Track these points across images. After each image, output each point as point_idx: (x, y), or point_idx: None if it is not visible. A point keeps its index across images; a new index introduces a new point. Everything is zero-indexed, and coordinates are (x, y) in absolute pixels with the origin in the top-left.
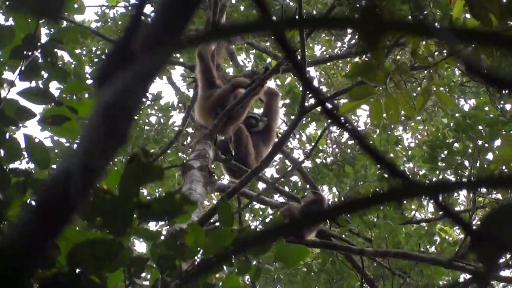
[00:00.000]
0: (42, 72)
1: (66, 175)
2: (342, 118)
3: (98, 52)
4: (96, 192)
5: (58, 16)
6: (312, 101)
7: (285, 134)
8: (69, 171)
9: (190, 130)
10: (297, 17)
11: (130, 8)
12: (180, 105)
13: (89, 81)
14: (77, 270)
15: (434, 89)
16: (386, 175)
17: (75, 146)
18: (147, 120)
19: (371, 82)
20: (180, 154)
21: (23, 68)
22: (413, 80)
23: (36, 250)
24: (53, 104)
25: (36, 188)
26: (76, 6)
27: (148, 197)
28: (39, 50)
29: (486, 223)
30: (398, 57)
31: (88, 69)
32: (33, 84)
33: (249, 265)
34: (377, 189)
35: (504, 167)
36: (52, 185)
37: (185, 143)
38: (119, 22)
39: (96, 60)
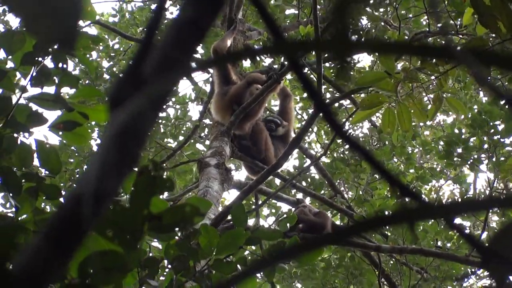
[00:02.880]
0: (54, 78)
1: (77, 199)
2: (347, 131)
3: (116, 47)
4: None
5: (71, 46)
6: (328, 95)
7: (301, 130)
8: (81, 196)
9: (207, 121)
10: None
11: (147, 2)
12: (197, 98)
13: (104, 79)
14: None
15: (445, 96)
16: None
17: (86, 168)
18: (164, 114)
19: (382, 90)
20: (198, 145)
21: (34, 74)
22: (424, 87)
23: (47, 275)
24: (64, 109)
25: (47, 195)
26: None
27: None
28: (50, 56)
29: (497, 240)
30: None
31: (105, 64)
32: (45, 89)
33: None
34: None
35: None
36: (63, 210)
37: (202, 134)
38: (136, 16)
39: (112, 54)
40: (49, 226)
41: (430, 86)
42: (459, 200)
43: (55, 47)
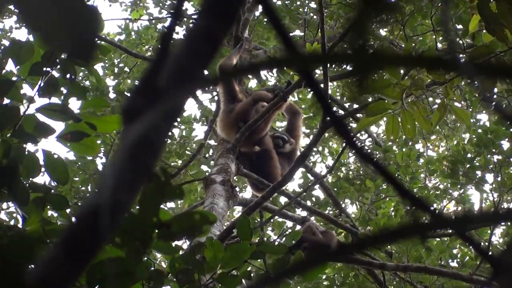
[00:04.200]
0: (61, 88)
1: (93, 211)
2: (360, 144)
3: (121, 65)
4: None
5: (90, 58)
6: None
7: (307, 149)
8: (97, 208)
9: (212, 142)
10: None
11: (153, 21)
12: (202, 118)
13: (110, 95)
14: None
15: (451, 104)
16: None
17: (101, 180)
18: (169, 133)
19: (388, 97)
20: (202, 166)
21: (42, 84)
22: (429, 96)
23: (64, 285)
24: (72, 120)
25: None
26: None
27: (169, 210)
28: (58, 67)
29: (508, 253)
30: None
31: (110, 82)
32: (53, 100)
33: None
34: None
35: None
36: (80, 221)
37: (207, 155)
38: (142, 35)
39: (116, 71)
40: (65, 238)
41: (436, 96)
42: (471, 214)
43: (71, 56)
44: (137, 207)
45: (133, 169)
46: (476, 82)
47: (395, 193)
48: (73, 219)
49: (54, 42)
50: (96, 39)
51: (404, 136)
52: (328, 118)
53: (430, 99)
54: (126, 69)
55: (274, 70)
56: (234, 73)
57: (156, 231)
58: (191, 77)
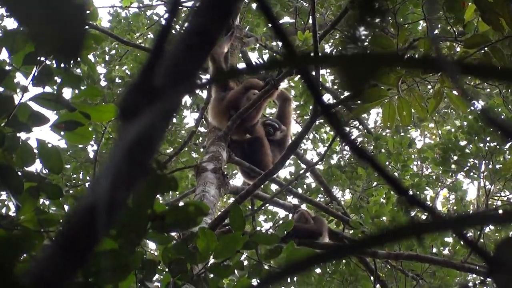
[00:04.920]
0: (55, 78)
1: (90, 208)
2: (352, 135)
3: (112, 52)
4: None
5: (77, 54)
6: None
7: (298, 137)
8: (93, 206)
9: (203, 129)
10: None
11: (143, 8)
12: (193, 105)
13: (102, 83)
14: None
15: (447, 92)
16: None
17: (97, 178)
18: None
19: (384, 85)
20: (192, 153)
21: (36, 73)
22: (425, 83)
23: (61, 283)
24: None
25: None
26: (88, 12)
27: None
28: (52, 56)
29: (502, 249)
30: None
31: (100, 69)
32: (46, 89)
33: (260, 269)
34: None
35: None
36: (76, 218)
37: (197, 142)
38: (132, 22)
39: (107, 58)
40: (61, 235)
41: (431, 84)
42: (467, 212)
43: (60, 52)
44: (132, 199)
45: (129, 167)
46: (458, 82)
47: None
48: (70, 216)
49: (40, 38)
50: (83, 35)
51: (395, 124)
52: (319, 108)
53: (429, 86)
54: (117, 56)
55: (265, 58)
56: (229, 74)
57: (151, 223)
58: (187, 75)
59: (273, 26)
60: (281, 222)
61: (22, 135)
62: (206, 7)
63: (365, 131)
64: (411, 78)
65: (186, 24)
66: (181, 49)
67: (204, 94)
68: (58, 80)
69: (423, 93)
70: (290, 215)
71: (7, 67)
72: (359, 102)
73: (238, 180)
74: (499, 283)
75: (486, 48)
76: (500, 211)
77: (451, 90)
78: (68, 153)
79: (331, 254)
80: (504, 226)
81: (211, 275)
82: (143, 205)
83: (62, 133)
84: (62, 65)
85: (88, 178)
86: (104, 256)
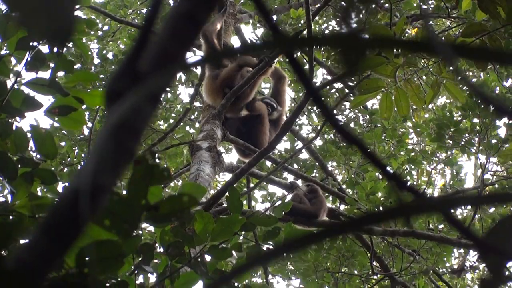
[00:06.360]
0: (48, 63)
1: (74, 194)
2: (338, 118)
3: (105, 28)
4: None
5: (67, 40)
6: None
7: (293, 114)
8: (78, 190)
9: (198, 104)
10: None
11: None
12: (188, 82)
13: (95, 61)
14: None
15: (444, 82)
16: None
17: (84, 163)
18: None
19: (381, 75)
20: (187, 128)
21: (29, 59)
22: (422, 73)
23: (44, 269)
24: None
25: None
26: None
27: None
28: (45, 41)
29: (493, 233)
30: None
31: (94, 45)
32: (40, 74)
33: (258, 250)
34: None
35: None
36: (61, 205)
37: (192, 117)
38: None
39: (100, 34)
40: (46, 221)
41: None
42: (452, 192)
43: (50, 37)
44: (125, 190)
45: (114, 152)
46: (452, 63)
47: (381, 156)
48: (55, 201)
49: (30, 24)
50: (73, 20)
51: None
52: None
53: (424, 77)
54: (111, 32)
55: (259, 35)
56: (223, 54)
57: (145, 213)
58: (173, 59)
59: (258, 8)
60: (279, 202)
61: (15, 122)
62: None
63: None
64: (409, 68)
65: (172, 7)
66: (167, 32)
67: (198, 70)
68: (52, 65)
69: (420, 83)
70: (288, 195)
71: (2, 52)
72: (354, 83)
73: (233, 156)
74: (490, 265)
75: (484, 37)
76: (486, 192)
77: (449, 80)
78: (63, 132)
79: (323, 234)
80: (486, 206)
81: (209, 258)
82: (137, 196)
83: (55, 118)
84: (55, 49)
85: (83, 156)
86: (98, 246)
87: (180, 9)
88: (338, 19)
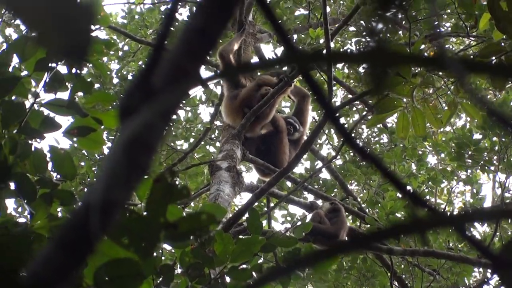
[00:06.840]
0: (67, 84)
1: (87, 210)
2: (356, 139)
3: (126, 48)
4: (124, 211)
5: (83, 58)
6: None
7: (312, 134)
8: (90, 206)
9: (218, 123)
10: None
11: (157, 3)
12: (208, 101)
13: (114, 80)
14: None
15: (461, 102)
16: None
17: (96, 178)
18: (175, 116)
19: (398, 95)
20: (208, 147)
21: (47, 79)
22: (439, 93)
23: (57, 284)
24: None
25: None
26: (99, 16)
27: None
28: (64, 61)
29: (508, 248)
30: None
31: (114, 65)
32: (58, 95)
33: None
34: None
35: None
36: (73, 220)
37: (213, 136)
38: (146, 18)
39: (120, 54)
40: (60, 236)
41: (446, 91)
42: (470, 210)
43: (67, 56)
44: (144, 210)
45: (126, 168)
46: (465, 80)
47: (402, 175)
48: (69, 217)
49: (47, 43)
50: (89, 39)
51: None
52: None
53: (443, 97)
54: (131, 52)
55: (279, 54)
56: (239, 69)
57: (163, 231)
58: (186, 75)
59: (274, 27)
60: (299, 223)
61: (35, 142)
62: (207, 7)
63: (381, 125)
64: (426, 88)
65: (185, 23)
66: (180, 48)
67: (218, 90)
68: (70, 86)
69: (439, 102)
70: (308, 215)
71: (22, 73)
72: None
73: (253, 174)
74: (506, 281)
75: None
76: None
77: (466, 100)
78: (82, 151)
79: (335, 250)
80: (507, 225)
81: (229, 279)
82: (155, 214)
83: (74, 139)
84: (74, 70)
85: None
86: (116, 265)
87: (193, 25)
88: (357, 38)
